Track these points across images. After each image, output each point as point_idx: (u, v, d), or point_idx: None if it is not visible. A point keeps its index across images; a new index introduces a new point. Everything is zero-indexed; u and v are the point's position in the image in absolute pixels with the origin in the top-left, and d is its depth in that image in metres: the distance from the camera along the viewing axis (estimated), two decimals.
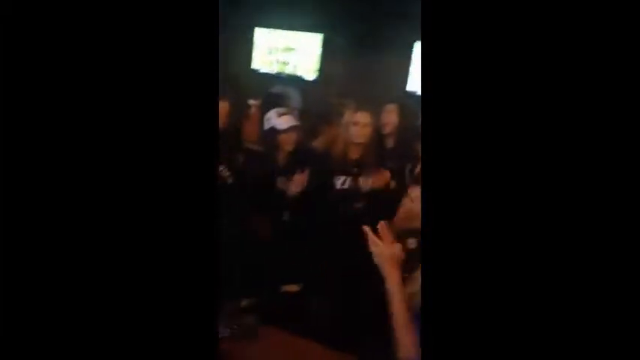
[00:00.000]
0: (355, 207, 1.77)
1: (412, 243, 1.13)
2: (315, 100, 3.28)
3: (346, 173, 1.79)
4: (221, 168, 1.48)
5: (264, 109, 1.91)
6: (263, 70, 3.97)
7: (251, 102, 1.80)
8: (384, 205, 1.80)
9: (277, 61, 3.93)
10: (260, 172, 1.60)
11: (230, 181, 1.49)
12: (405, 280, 1.00)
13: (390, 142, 2.01)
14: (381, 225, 1.01)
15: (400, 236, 1.06)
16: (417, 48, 3.35)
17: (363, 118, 1.74)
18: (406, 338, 0.92)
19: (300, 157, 1.78)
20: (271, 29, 3.88)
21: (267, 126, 1.72)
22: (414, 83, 3.41)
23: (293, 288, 1.65)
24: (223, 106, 1.74)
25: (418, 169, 1.68)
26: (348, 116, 1.77)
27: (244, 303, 1.50)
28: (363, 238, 1.01)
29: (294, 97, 3.39)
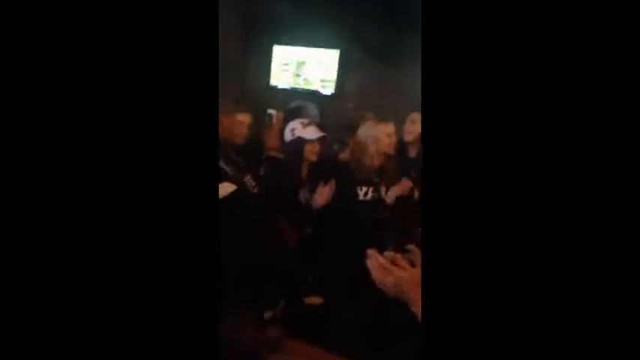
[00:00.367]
0: (379, 217, 1.75)
1: None
2: (333, 114, 3.30)
3: (368, 184, 1.78)
4: (246, 178, 1.48)
5: (284, 124, 1.92)
6: (281, 86, 4.03)
7: (270, 111, 1.81)
8: (407, 214, 1.78)
9: (295, 77, 3.99)
10: (283, 182, 1.60)
11: (255, 191, 1.49)
12: None
13: (412, 152, 1.99)
14: (390, 255, 0.90)
15: None
16: None
17: (387, 128, 1.74)
18: None
19: (323, 168, 1.78)
20: (289, 46, 3.95)
21: (291, 136, 1.72)
22: None
23: (316, 300, 1.63)
24: (244, 119, 1.76)
25: None
26: (370, 127, 1.76)
27: (268, 315, 1.48)
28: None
29: (313, 112, 3.42)
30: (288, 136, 1.75)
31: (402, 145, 1.95)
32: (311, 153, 1.70)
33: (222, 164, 1.36)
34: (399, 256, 0.88)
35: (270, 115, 1.81)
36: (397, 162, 1.83)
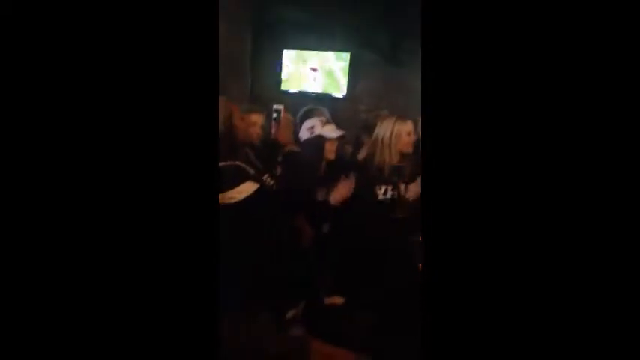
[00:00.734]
0: (398, 216, 1.73)
1: None
2: (345, 116, 3.30)
3: (387, 183, 1.76)
4: (265, 176, 1.48)
5: (299, 124, 1.92)
6: (292, 90, 4.04)
7: (277, 107, 1.81)
8: None
9: (305, 81, 4.00)
10: (301, 180, 1.59)
11: (274, 188, 1.48)
12: None
13: None
14: None
15: None
16: None
17: (406, 126, 1.72)
18: None
19: (340, 166, 1.76)
20: (300, 50, 3.97)
21: (309, 134, 1.71)
22: None
23: (337, 300, 1.61)
24: (258, 119, 1.76)
25: None
26: (389, 125, 1.74)
27: (289, 314, 1.46)
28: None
29: (325, 114, 3.42)
30: (305, 134, 1.74)
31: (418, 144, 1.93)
32: (330, 152, 1.69)
33: (242, 164, 1.36)
34: None
35: (278, 110, 1.80)
36: (416, 161, 1.81)
